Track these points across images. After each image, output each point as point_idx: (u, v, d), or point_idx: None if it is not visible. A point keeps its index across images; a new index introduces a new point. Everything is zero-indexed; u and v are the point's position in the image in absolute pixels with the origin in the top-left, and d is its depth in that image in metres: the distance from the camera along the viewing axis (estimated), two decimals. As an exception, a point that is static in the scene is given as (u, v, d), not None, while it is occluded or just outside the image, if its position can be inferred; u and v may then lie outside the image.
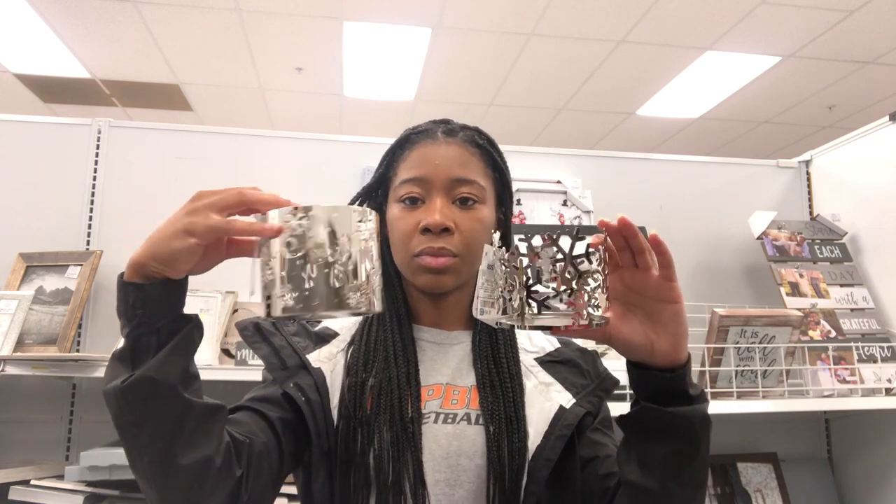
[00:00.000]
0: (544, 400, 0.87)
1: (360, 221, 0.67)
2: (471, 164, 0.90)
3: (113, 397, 0.64)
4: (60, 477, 1.45)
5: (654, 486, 0.72)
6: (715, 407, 1.56)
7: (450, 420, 0.85)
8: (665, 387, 0.71)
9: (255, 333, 0.87)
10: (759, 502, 1.80)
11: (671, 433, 0.71)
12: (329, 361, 0.88)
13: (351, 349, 0.90)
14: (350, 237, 0.65)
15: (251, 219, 0.66)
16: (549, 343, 0.97)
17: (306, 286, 0.64)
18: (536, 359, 0.93)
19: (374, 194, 0.95)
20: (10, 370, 1.43)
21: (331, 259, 0.64)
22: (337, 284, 0.64)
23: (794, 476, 1.87)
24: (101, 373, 1.45)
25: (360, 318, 0.93)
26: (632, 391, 0.75)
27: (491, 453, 0.82)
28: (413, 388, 0.85)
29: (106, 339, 1.69)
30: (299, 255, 0.64)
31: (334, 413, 0.84)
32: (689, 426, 0.70)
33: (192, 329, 0.68)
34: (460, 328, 0.94)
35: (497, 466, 0.82)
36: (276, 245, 0.64)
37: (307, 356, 0.86)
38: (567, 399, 0.87)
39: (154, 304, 0.65)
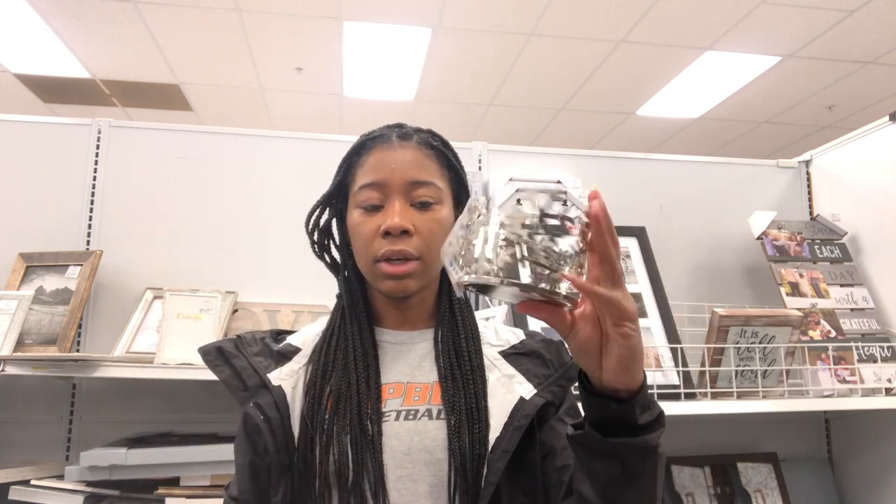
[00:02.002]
0: (506, 392, 0.87)
1: None
2: (427, 165, 0.90)
3: None
4: (60, 477, 1.45)
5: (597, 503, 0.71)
6: (715, 407, 1.57)
7: (410, 416, 0.85)
8: (612, 416, 0.67)
9: (217, 357, 0.89)
10: (759, 502, 1.80)
11: (615, 459, 0.68)
12: (290, 378, 0.88)
13: (311, 362, 0.90)
14: None
15: None
16: (514, 336, 0.97)
17: None
18: (500, 352, 0.93)
19: (334, 201, 0.96)
20: (10, 370, 1.43)
21: None
22: None
23: (794, 476, 1.87)
24: (101, 373, 1.45)
25: (320, 331, 0.94)
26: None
27: (452, 444, 0.83)
28: (373, 389, 0.86)
29: (106, 339, 1.69)
30: None
31: (296, 428, 0.84)
32: (632, 456, 0.68)
33: None
34: (423, 327, 0.95)
35: (458, 457, 0.82)
36: None
37: (268, 375, 0.87)
38: (528, 390, 0.87)
39: None
